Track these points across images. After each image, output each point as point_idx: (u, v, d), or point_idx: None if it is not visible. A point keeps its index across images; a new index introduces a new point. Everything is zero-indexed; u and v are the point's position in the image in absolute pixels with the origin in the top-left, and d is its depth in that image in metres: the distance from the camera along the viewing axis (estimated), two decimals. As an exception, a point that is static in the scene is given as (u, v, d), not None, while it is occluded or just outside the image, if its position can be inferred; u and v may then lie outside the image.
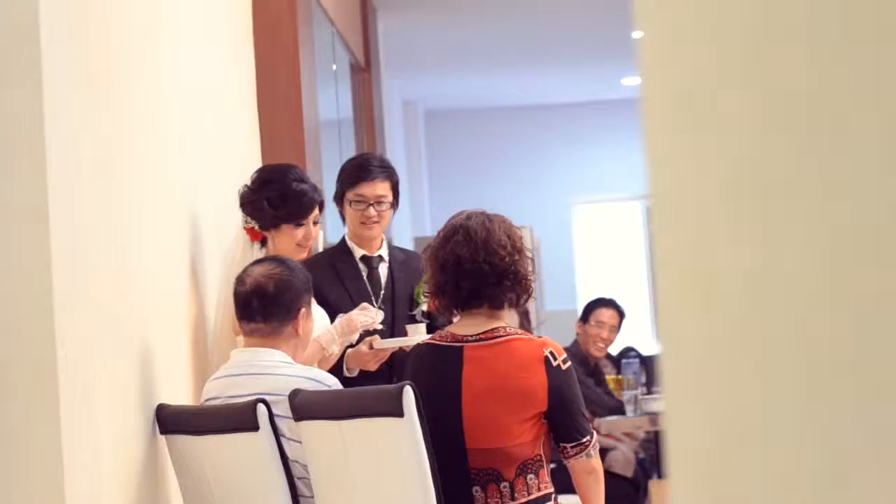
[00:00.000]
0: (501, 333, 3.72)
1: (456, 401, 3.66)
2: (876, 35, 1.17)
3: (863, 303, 1.17)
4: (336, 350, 4.38)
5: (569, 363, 3.73)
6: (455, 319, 3.87)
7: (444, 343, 3.75)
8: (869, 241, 1.17)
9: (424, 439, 3.49)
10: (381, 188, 4.70)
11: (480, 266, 3.69)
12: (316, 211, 4.45)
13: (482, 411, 3.65)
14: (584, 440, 3.72)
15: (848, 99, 1.18)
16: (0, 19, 3.08)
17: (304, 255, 4.46)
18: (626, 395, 6.97)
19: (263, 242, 4.41)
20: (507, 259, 3.71)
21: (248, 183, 4.45)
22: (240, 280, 3.99)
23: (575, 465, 3.76)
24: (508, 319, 3.86)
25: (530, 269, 3.79)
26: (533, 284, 3.82)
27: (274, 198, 4.37)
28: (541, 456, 3.70)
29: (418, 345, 3.91)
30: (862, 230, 1.17)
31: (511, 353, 3.68)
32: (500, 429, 3.65)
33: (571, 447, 3.72)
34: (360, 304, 4.50)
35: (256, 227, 4.39)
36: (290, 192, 4.38)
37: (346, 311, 4.53)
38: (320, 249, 5.37)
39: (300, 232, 4.40)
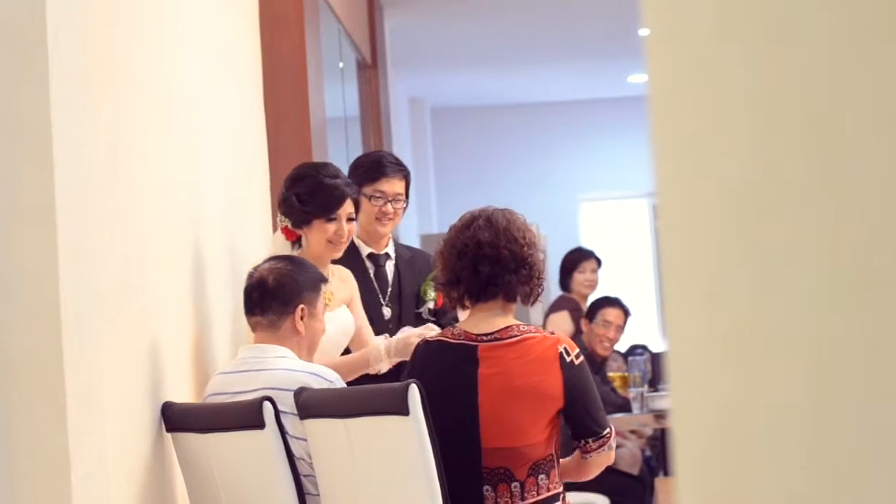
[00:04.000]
0: (515, 333, 3.71)
1: (472, 400, 3.66)
2: (885, 34, 1.17)
3: (870, 301, 1.17)
4: (384, 368, 4.34)
5: (581, 358, 3.73)
6: (463, 315, 3.86)
7: (456, 341, 3.74)
8: (876, 240, 1.17)
9: (430, 437, 3.49)
10: (398, 186, 4.74)
11: (500, 251, 3.70)
12: (349, 206, 4.34)
13: (499, 410, 3.64)
14: (605, 433, 3.74)
15: (855, 98, 1.18)
16: (7, 20, 3.08)
17: (337, 254, 4.39)
18: (632, 393, 6.96)
19: (299, 243, 4.38)
20: (525, 249, 3.73)
21: (284, 181, 4.41)
22: (248, 276, 4.03)
23: (596, 459, 3.77)
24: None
25: (543, 265, 3.81)
26: (543, 282, 3.82)
27: (303, 193, 4.31)
28: (552, 456, 3.70)
29: (425, 340, 3.88)
30: (869, 228, 1.17)
31: (526, 352, 3.67)
32: (517, 428, 3.64)
33: (594, 441, 3.73)
34: (427, 324, 4.47)
35: (290, 226, 4.35)
36: (321, 187, 4.31)
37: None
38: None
39: (331, 227, 4.31)
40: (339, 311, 4.42)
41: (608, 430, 3.74)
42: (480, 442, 3.65)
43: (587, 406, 3.70)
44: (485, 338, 3.71)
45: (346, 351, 4.48)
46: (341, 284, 4.48)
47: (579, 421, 3.70)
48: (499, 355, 3.68)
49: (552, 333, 3.78)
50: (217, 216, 4.66)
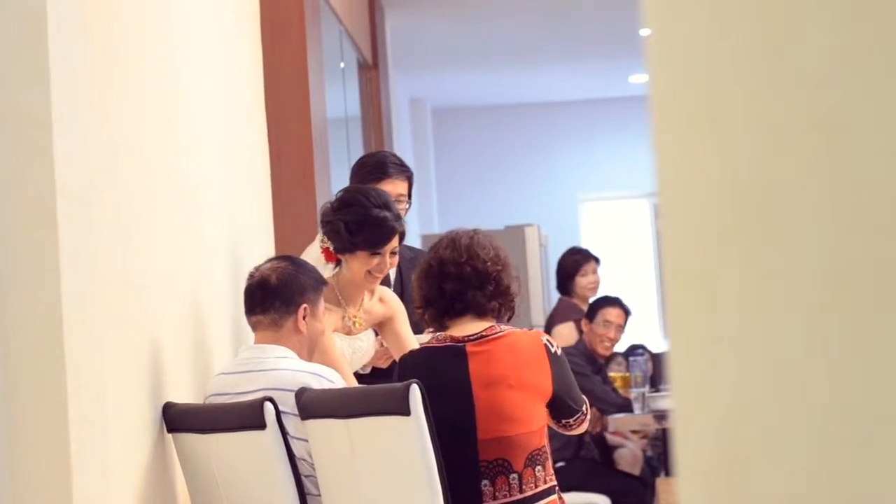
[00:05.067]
0: (498, 330, 3.80)
1: (466, 393, 3.72)
2: (887, 34, 1.16)
3: (871, 302, 1.17)
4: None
5: (560, 349, 3.86)
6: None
7: (442, 345, 3.81)
8: (878, 240, 1.16)
9: (431, 437, 3.49)
10: (402, 186, 4.74)
11: (463, 268, 3.79)
12: (395, 241, 4.25)
13: (493, 400, 3.71)
14: (584, 409, 3.87)
15: (857, 98, 1.18)
16: (8, 20, 3.08)
17: (373, 286, 4.34)
18: (633, 393, 6.96)
19: (338, 263, 4.33)
20: (489, 265, 3.81)
21: (330, 201, 4.34)
22: (249, 276, 4.02)
23: (576, 430, 3.93)
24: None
25: (515, 286, 3.88)
26: (516, 301, 3.89)
27: (351, 222, 4.21)
28: (546, 448, 3.79)
29: (410, 351, 3.97)
30: (870, 229, 1.17)
31: (514, 345, 3.77)
32: (512, 417, 3.71)
33: (574, 420, 3.86)
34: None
35: (331, 249, 4.28)
36: (370, 219, 4.21)
37: None
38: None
39: (375, 260, 4.23)
40: (365, 335, 4.41)
41: (584, 405, 3.87)
42: (477, 434, 3.70)
43: (569, 392, 3.82)
44: (471, 338, 3.79)
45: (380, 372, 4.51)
46: (379, 304, 4.42)
47: (564, 406, 3.82)
48: (487, 350, 3.76)
49: (531, 329, 3.91)
50: (218, 216, 4.66)
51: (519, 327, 3.92)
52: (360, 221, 4.21)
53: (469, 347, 3.76)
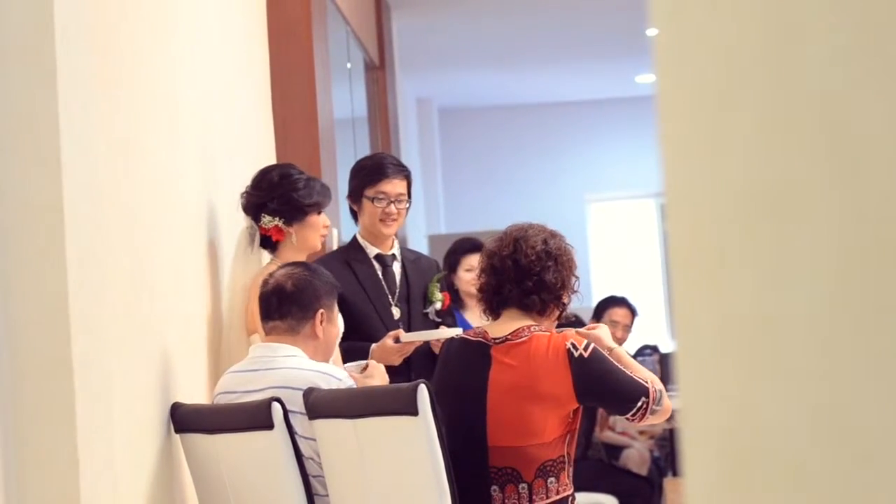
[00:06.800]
0: (525, 333, 3.73)
1: (481, 399, 3.69)
2: (894, 33, 1.16)
3: (879, 301, 1.17)
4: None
5: (591, 347, 3.67)
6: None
7: (475, 339, 3.81)
8: (884, 238, 1.16)
9: (439, 437, 3.49)
10: (401, 186, 4.78)
11: (505, 262, 3.77)
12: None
13: (506, 410, 3.67)
14: (640, 404, 3.65)
15: (863, 98, 1.18)
16: (15, 21, 3.09)
17: (320, 247, 4.50)
18: (640, 394, 6.94)
19: (274, 248, 4.39)
20: (533, 259, 3.75)
21: (255, 186, 4.40)
22: (264, 283, 4.01)
23: (650, 420, 3.71)
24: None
25: (568, 282, 3.79)
26: (564, 296, 3.80)
27: (303, 188, 4.38)
28: (563, 457, 3.71)
29: (452, 338, 3.95)
30: (878, 227, 1.17)
31: (534, 351, 3.69)
32: (524, 428, 3.65)
33: (632, 415, 3.66)
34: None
35: (281, 225, 4.36)
36: (314, 182, 4.43)
37: (363, 310, 4.59)
38: (334, 247, 5.40)
39: (323, 219, 4.43)
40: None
41: (643, 398, 3.65)
42: (487, 440, 3.67)
43: (608, 392, 3.66)
44: (498, 340, 3.75)
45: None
46: None
47: (609, 406, 3.78)
48: (509, 357, 3.71)
49: (560, 331, 3.77)
50: (225, 216, 4.66)
51: (551, 329, 3.79)
52: (308, 186, 4.39)
53: (494, 351, 3.73)
